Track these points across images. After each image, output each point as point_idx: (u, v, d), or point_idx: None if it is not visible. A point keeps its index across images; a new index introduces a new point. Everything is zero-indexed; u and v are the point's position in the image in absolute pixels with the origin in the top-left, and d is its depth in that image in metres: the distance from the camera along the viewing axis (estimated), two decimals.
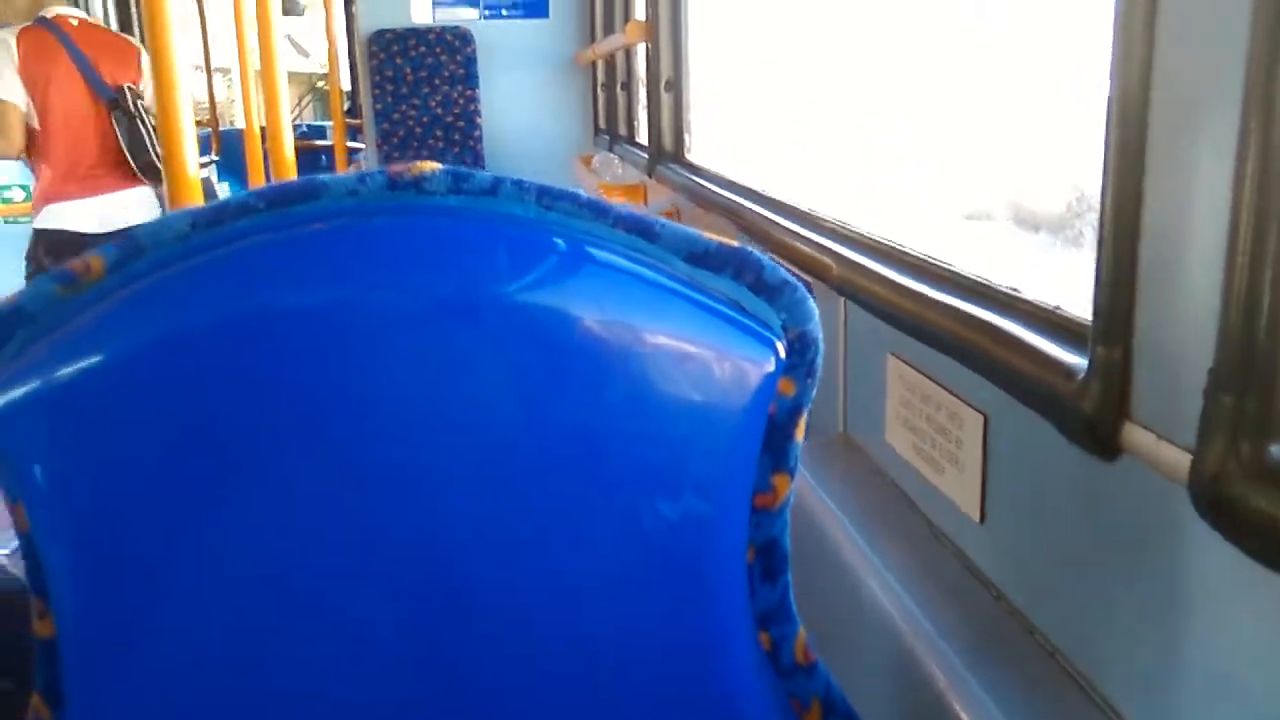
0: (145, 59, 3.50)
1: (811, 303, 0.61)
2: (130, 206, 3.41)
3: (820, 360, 0.62)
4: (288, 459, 0.57)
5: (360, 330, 0.55)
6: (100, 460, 0.56)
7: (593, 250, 0.58)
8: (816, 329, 0.61)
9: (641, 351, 0.57)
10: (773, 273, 0.60)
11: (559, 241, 0.57)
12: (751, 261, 0.60)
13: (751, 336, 0.59)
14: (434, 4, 4.28)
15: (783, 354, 0.60)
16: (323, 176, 0.57)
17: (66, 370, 0.54)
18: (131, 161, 3.36)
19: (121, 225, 3.30)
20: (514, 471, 0.58)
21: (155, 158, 3.35)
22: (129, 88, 3.39)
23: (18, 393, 0.54)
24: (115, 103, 3.33)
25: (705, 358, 0.58)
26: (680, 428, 0.58)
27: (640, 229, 0.59)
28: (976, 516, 1.00)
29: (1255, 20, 0.57)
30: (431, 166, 0.57)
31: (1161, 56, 0.68)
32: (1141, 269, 0.72)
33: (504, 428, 0.57)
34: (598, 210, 0.58)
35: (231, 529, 0.57)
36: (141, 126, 3.35)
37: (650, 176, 2.82)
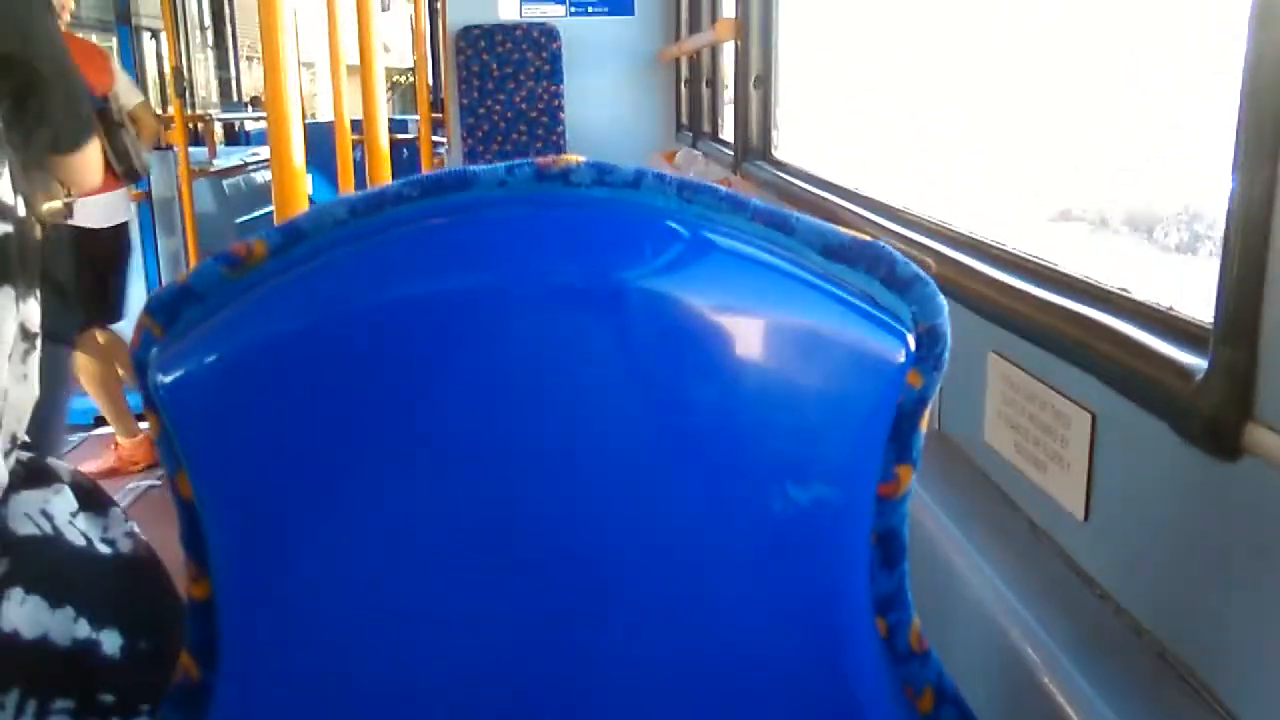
0: (115, 63, 3.69)
1: (941, 298, 0.62)
2: (120, 204, 3.69)
3: (947, 355, 0.63)
4: (435, 438, 0.59)
5: (508, 316, 0.58)
6: (261, 433, 0.59)
7: (732, 242, 0.59)
8: (945, 323, 0.62)
9: (778, 341, 0.59)
10: (904, 267, 0.61)
11: (700, 233, 0.59)
12: (884, 255, 0.61)
13: (883, 329, 0.60)
14: (521, 0, 4.33)
15: (913, 347, 0.61)
16: (473, 168, 0.59)
17: (230, 348, 0.57)
18: (116, 165, 3.53)
19: (116, 221, 3.64)
20: (651, 455, 0.60)
21: (135, 163, 3.60)
22: (109, 96, 3.54)
23: (185, 369, 0.57)
24: (102, 112, 3.48)
25: (839, 349, 0.59)
26: (813, 416, 0.60)
27: (777, 222, 0.60)
28: (1080, 515, 1.00)
29: None
30: (576, 159, 0.59)
31: None
32: (1271, 265, 0.71)
33: (643, 413, 0.59)
34: (736, 204, 0.60)
35: (379, 502, 0.60)
36: (125, 135, 3.51)
37: (735, 174, 2.83)
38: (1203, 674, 0.82)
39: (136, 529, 0.78)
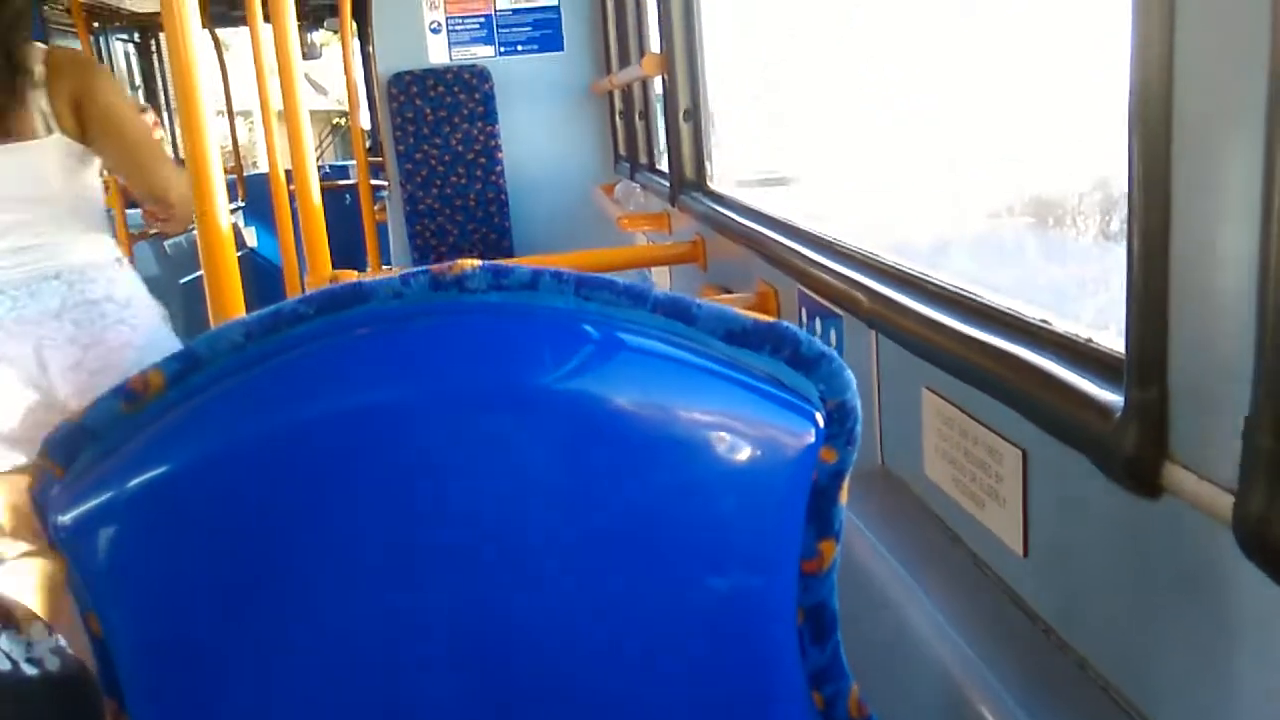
0: None
1: (848, 373, 0.62)
2: None
3: (859, 428, 0.63)
4: (348, 555, 0.59)
5: (412, 429, 0.57)
6: (168, 567, 0.58)
7: (632, 338, 0.59)
8: (854, 397, 0.62)
9: (685, 434, 0.59)
10: (809, 346, 0.61)
11: (599, 332, 0.59)
12: (788, 336, 0.61)
13: (791, 411, 0.60)
14: (450, 44, 4.33)
15: (822, 424, 0.61)
16: (369, 281, 0.59)
17: (132, 484, 0.57)
18: None
19: None
20: (564, 555, 0.60)
21: None
22: None
23: (86, 507, 0.56)
24: None
25: (748, 436, 0.60)
26: (726, 505, 0.60)
27: (678, 312, 0.60)
28: (1020, 551, 1.01)
29: (1276, 37, 0.57)
30: (472, 264, 0.59)
31: (1180, 84, 0.69)
32: (1172, 309, 0.72)
33: (554, 515, 0.59)
34: (636, 297, 0.60)
35: (296, 627, 0.59)
36: None
37: (673, 205, 2.84)
38: (1140, 704, 0.83)
39: (63, 642, 0.76)
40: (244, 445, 0.57)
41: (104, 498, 0.56)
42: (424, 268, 0.59)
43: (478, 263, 0.60)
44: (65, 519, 0.56)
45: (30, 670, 0.71)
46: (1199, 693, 0.76)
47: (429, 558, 0.59)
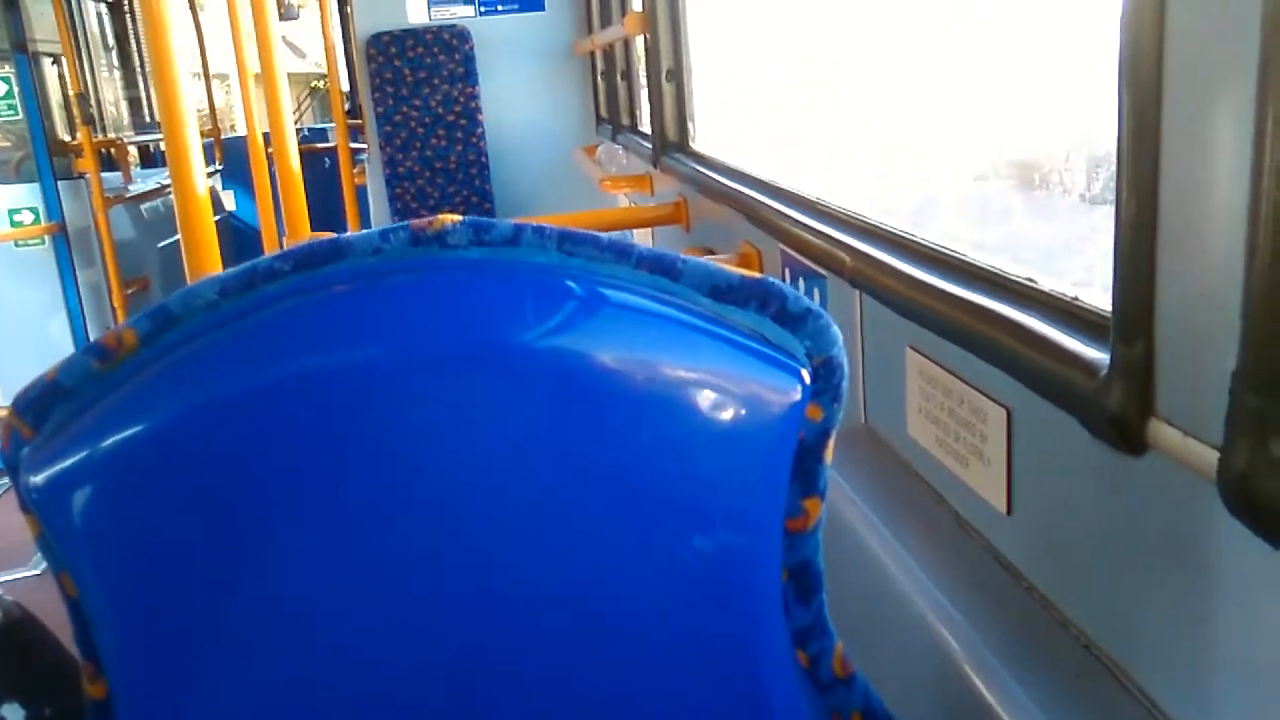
0: None
1: (835, 329, 0.62)
2: None
3: (846, 385, 0.62)
4: (326, 514, 0.58)
5: (391, 387, 0.56)
6: (143, 527, 0.57)
7: (616, 294, 0.58)
8: (841, 354, 0.62)
9: (670, 391, 0.58)
10: (795, 302, 0.61)
11: (582, 287, 0.58)
12: (774, 292, 0.60)
13: (777, 367, 0.60)
14: (430, 3, 4.27)
15: (808, 381, 0.61)
16: (347, 235, 0.58)
17: (106, 443, 0.55)
18: None
19: None
20: (548, 514, 0.59)
21: None
22: None
23: (59, 467, 0.55)
24: None
25: (733, 392, 0.59)
26: (711, 463, 0.59)
27: (663, 268, 0.59)
28: (1003, 509, 1.01)
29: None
30: (452, 219, 0.58)
31: (1172, 38, 0.68)
32: (1160, 266, 0.72)
33: (537, 473, 0.58)
34: (619, 252, 0.59)
35: (273, 585, 0.58)
36: None
37: (656, 167, 2.82)
38: (1127, 665, 0.83)
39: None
40: (219, 404, 0.56)
41: (77, 458, 0.55)
42: (404, 223, 0.58)
43: (458, 218, 0.58)
44: (37, 479, 0.55)
45: None
46: (1182, 649, 0.76)
47: (409, 516, 0.58)
